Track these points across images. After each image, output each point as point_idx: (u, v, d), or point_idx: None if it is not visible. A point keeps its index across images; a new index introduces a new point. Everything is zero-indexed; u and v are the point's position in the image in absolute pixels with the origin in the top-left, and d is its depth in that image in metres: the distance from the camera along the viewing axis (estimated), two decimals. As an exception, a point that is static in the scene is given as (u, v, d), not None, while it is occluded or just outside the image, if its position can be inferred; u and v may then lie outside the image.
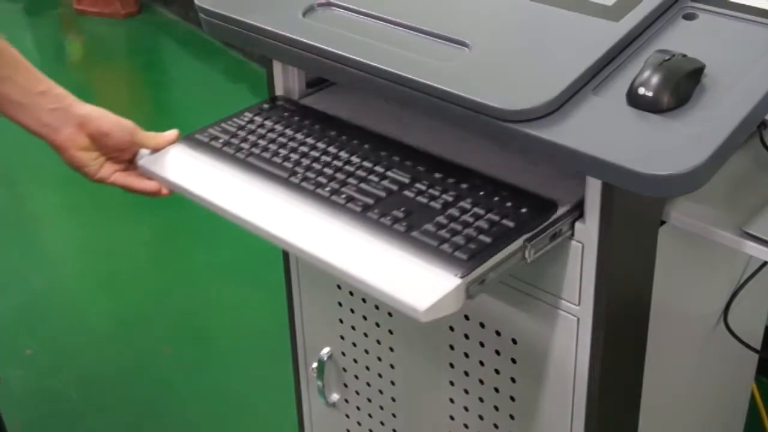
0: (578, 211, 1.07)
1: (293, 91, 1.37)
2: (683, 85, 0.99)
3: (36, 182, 3.07)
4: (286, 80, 1.36)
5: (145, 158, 1.24)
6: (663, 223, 1.14)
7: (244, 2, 1.29)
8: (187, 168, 1.21)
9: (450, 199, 1.08)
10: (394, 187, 1.11)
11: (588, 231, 1.06)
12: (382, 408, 1.46)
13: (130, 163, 1.22)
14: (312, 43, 1.17)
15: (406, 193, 1.10)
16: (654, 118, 0.98)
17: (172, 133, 1.22)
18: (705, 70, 1.01)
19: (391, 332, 1.37)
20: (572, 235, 1.08)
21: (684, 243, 1.21)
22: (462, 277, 0.96)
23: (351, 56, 1.13)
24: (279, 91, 1.37)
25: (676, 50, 1.02)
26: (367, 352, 1.43)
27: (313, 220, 1.08)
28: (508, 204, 1.07)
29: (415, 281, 0.97)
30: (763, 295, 1.52)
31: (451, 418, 1.34)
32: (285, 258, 1.50)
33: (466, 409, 1.32)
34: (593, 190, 1.04)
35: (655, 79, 0.98)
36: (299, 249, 1.05)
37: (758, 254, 1.06)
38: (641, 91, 0.99)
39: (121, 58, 4.32)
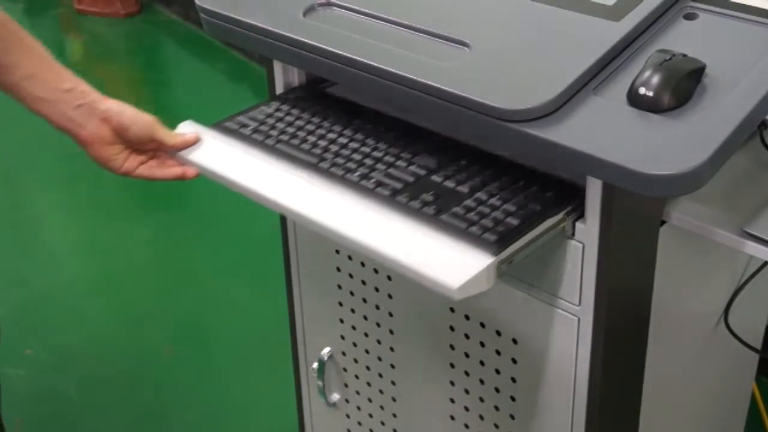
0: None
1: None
2: (684, 85, 0.99)
3: (36, 182, 3.07)
4: (286, 80, 1.36)
5: None
6: (663, 223, 1.14)
7: (245, 2, 1.29)
8: (218, 154, 1.22)
9: (476, 184, 1.11)
10: (422, 173, 1.13)
11: (588, 231, 1.06)
12: (382, 408, 1.46)
13: (154, 154, 1.23)
14: (312, 43, 1.17)
15: (434, 178, 1.12)
16: (654, 118, 0.98)
17: (192, 136, 1.22)
18: (705, 69, 1.01)
19: (391, 332, 1.37)
20: (573, 234, 1.08)
21: (684, 243, 1.21)
22: (494, 256, 0.99)
23: (351, 56, 1.13)
24: (280, 91, 1.37)
25: (677, 50, 1.02)
26: (367, 352, 1.43)
27: (344, 203, 1.10)
28: (534, 188, 1.09)
29: (448, 261, 0.99)
30: (764, 295, 1.51)
31: (452, 418, 1.34)
32: (285, 258, 1.50)
33: (466, 409, 1.32)
34: (593, 190, 1.04)
35: (655, 79, 0.98)
36: (334, 231, 1.06)
37: (759, 254, 1.06)
38: (642, 90, 0.99)
39: (122, 58, 4.32)
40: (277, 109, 1.29)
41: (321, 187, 1.13)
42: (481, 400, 1.29)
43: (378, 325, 1.38)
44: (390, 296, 1.34)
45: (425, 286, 0.98)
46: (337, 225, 1.06)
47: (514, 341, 1.20)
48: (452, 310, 1.26)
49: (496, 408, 1.27)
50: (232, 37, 1.28)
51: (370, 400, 1.47)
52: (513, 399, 1.24)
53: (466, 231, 1.02)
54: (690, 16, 1.11)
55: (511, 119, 1.00)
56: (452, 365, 1.30)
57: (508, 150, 1.15)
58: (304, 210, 1.10)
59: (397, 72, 1.09)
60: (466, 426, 1.33)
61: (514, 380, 1.23)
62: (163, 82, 4.06)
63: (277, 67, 1.35)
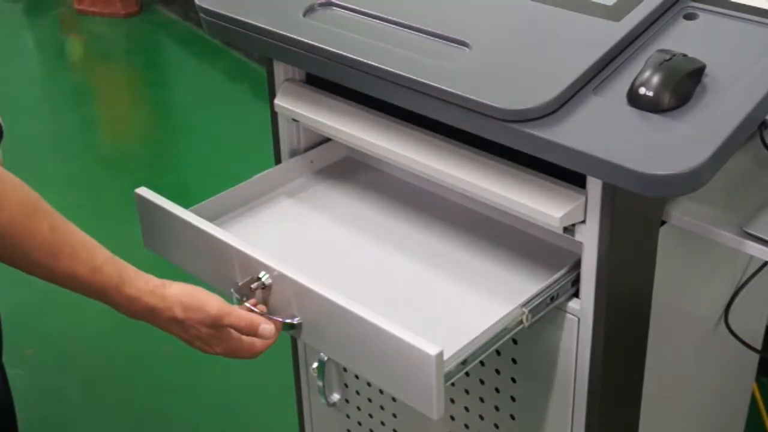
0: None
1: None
2: (684, 84, 0.99)
3: (36, 182, 3.07)
4: (286, 80, 1.36)
5: None
6: (663, 222, 1.14)
7: (245, 2, 1.29)
8: None
9: None
10: None
11: (588, 231, 1.06)
12: (382, 408, 1.46)
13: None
14: (312, 42, 1.17)
15: None
16: (654, 118, 0.98)
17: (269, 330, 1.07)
18: (705, 69, 1.01)
19: (391, 332, 1.37)
20: (573, 235, 1.08)
21: (684, 243, 1.21)
22: None
23: (351, 56, 1.13)
24: (279, 91, 1.37)
25: (677, 50, 1.02)
26: (367, 352, 1.43)
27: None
28: None
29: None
30: (764, 295, 1.51)
31: (452, 418, 1.34)
32: (285, 258, 1.50)
33: (466, 409, 1.32)
34: (594, 189, 1.04)
35: (655, 79, 0.98)
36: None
37: (759, 254, 1.06)
38: (642, 90, 0.99)
39: (122, 58, 4.32)
40: None
41: None
42: (481, 400, 1.29)
43: (378, 325, 1.38)
44: (390, 296, 1.34)
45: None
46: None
47: (514, 341, 1.20)
48: (452, 310, 1.26)
49: (497, 408, 1.27)
50: (232, 37, 1.28)
51: (370, 400, 1.47)
52: (513, 399, 1.24)
53: None
54: (690, 16, 1.11)
55: (511, 119, 1.00)
56: (452, 365, 1.30)
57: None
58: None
59: (397, 72, 1.09)
60: (466, 426, 1.33)
61: (514, 380, 1.23)
62: (163, 82, 4.06)
63: (277, 67, 1.35)
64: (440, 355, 0.93)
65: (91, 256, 0.99)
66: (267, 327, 1.05)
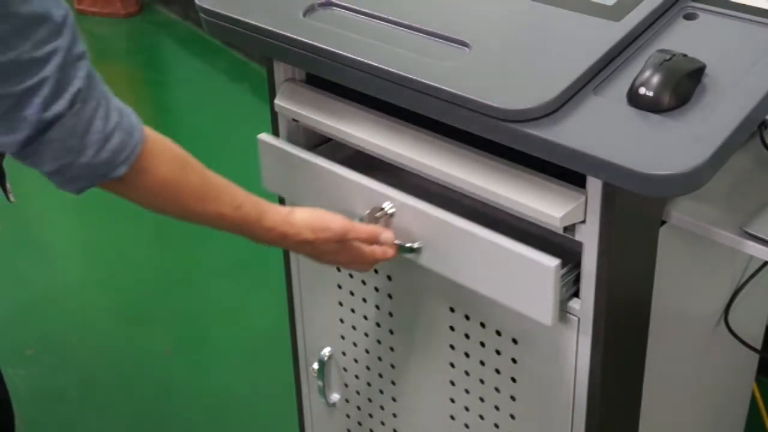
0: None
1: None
2: (684, 84, 0.99)
3: (36, 182, 3.07)
4: (286, 80, 1.36)
5: None
6: (663, 222, 1.14)
7: (245, 2, 1.29)
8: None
9: None
10: None
11: (588, 231, 1.06)
12: (382, 408, 1.46)
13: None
14: (312, 42, 1.17)
15: None
16: (654, 118, 0.98)
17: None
18: (705, 70, 1.01)
19: (391, 332, 1.37)
20: (573, 235, 1.08)
21: (684, 243, 1.21)
22: None
23: (352, 56, 1.13)
24: (280, 91, 1.37)
25: (677, 50, 1.02)
26: (367, 352, 1.43)
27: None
28: None
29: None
30: (764, 295, 1.52)
31: (452, 417, 1.34)
32: (285, 258, 1.50)
33: (466, 408, 1.32)
34: (594, 189, 1.04)
35: (655, 79, 0.98)
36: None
37: (759, 254, 1.06)
38: (642, 90, 0.99)
39: (122, 57, 4.32)
40: None
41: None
42: (481, 400, 1.29)
43: (378, 325, 1.38)
44: (390, 296, 1.34)
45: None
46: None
47: (514, 341, 1.20)
48: (452, 310, 1.26)
49: (496, 408, 1.27)
50: (232, 37, 1.28)
51: (370, 400, 1.47)
52: (513, 399, 1.24)
53: None
54: (690, 16, 1.11)
55: (511, 119, 1.00)
56: (452, 365, 1.30)
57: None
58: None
59: (397, 72, 1.09)
60: (466, 426, 1.33)
61: (514, 380, 1.23)
62: (163, 82, 4.06)
63: (278, 67, 1.35)
64: (558, 266, 1.06)
65: (233, 196, 1.09)
66: (387, 234, 1.17)
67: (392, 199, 1.18)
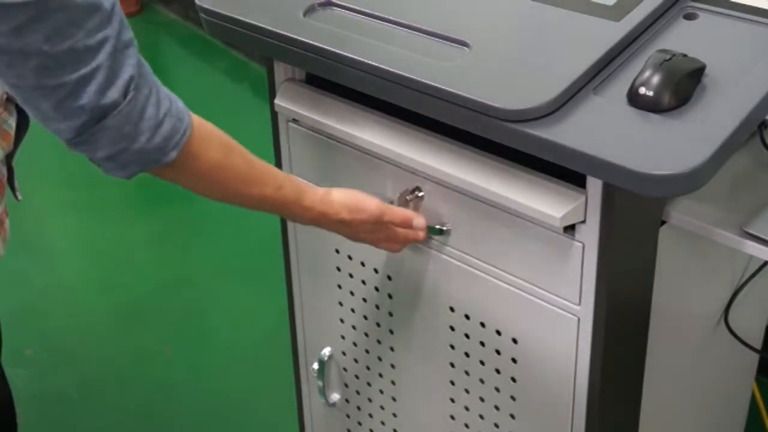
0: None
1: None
2: (684, 84, 0.99)
3: (36, 182, 3.07)
4: (286, 80, 1.36)
5: None
6: (663, 222, 1.14)
7: (245, 2, 1.29)
8: None
9: None
10: None
11: (588, 231, 1.06)
12: (382, 408, 1.46)
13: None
14: (313, 42, 1.17)
15: None
16: (655, 118, 0.98)
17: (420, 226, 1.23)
18: (705, 69, 1.01)
19: (391, 332, 1.37)
20: (573, 234, 1.08)
21: (684, 243, 1.21)
22: None
23: (352, 56, 1.13)
24: (280, 91, 1.37)
25: (677, 50, 1.02)
26: (367, 352, 1.43)
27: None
28: None
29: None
30: (764, 295, 1.51)
31: (452, 417, 1.34)
32: (285, 258, 1.50)
33: (466, 408, 1.32)
34: (594, 189, 1.04)
35: (655, 79, 0.98)
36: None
37: (759, 254, 1.06)
38: (642, 90, 0.99)
39: (122, 58, 4.32)
40: None
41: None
42: (481, 399, 1.29)
43: (378, 325, 1.38)
44: (390, 296, 1.34)
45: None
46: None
47: (514, 341, 1.20)
48: (452, 309, 1.26)
49: (496, 408, 1.27)
50: (232, 37, 1.28)
51: (370, 400, 1.47)
52: (513, 399, 1.24)
53: None
54: (690, 16, 1.11)
55: (511, 119, 1.00)
56: (452, 365, 1.30)
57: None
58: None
59: (397, 72, 1.09)
60: (466, 426, 1.33)
61: (514, 380, 1.23)
62: (163, 81, 4.03)
63: (278, 67, 1.35)
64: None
65: (274, 178, 1.12)
66: (419, 220, 1.21)
67: (424, 182, 1.21)
